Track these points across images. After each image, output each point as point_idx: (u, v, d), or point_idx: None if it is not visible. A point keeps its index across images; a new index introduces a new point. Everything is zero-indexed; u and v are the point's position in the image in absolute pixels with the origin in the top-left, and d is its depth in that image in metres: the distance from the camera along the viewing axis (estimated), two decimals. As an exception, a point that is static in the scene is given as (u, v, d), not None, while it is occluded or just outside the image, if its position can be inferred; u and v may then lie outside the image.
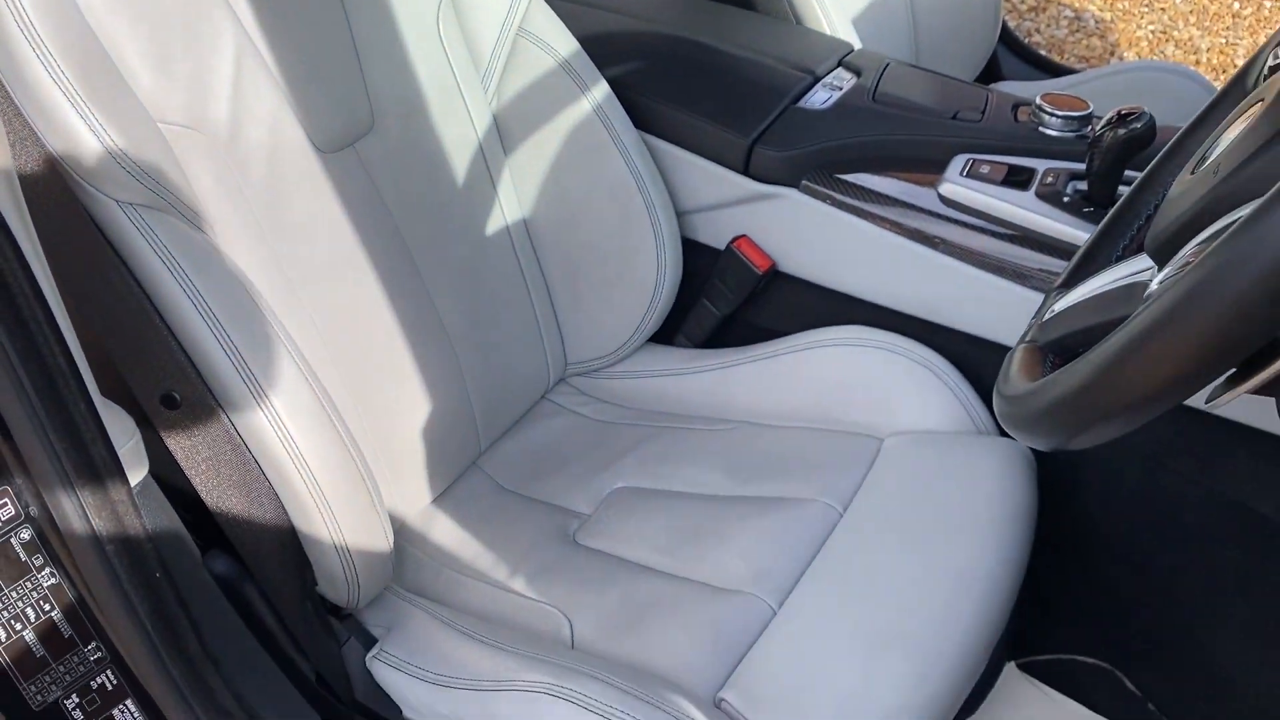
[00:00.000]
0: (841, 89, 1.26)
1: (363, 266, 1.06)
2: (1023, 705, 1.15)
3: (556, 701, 0.84)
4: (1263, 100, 0.61)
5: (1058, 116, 1.19)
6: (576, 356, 1.30)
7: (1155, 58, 2.53)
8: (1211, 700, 1.10)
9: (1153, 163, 0.80)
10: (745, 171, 1.21)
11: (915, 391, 1.13)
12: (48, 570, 0.77)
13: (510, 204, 1.21)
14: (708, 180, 1.23)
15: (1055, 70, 1.88)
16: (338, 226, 1.03)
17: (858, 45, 1.41)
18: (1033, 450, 1.10)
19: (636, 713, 0.83)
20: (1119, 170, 1.06)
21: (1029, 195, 1.11)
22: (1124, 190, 1.03)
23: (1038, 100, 1.21)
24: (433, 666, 0.95)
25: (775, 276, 1.24)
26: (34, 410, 0.68)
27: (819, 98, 1.24)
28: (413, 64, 1.10)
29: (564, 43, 1.19)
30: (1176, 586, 1.10)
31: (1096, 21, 2.80)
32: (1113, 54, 2.70)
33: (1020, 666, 1.17)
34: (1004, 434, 1.11)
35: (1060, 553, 1.12)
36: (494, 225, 1.19)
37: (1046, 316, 0.74)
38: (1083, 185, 1.10)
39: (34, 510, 0.75)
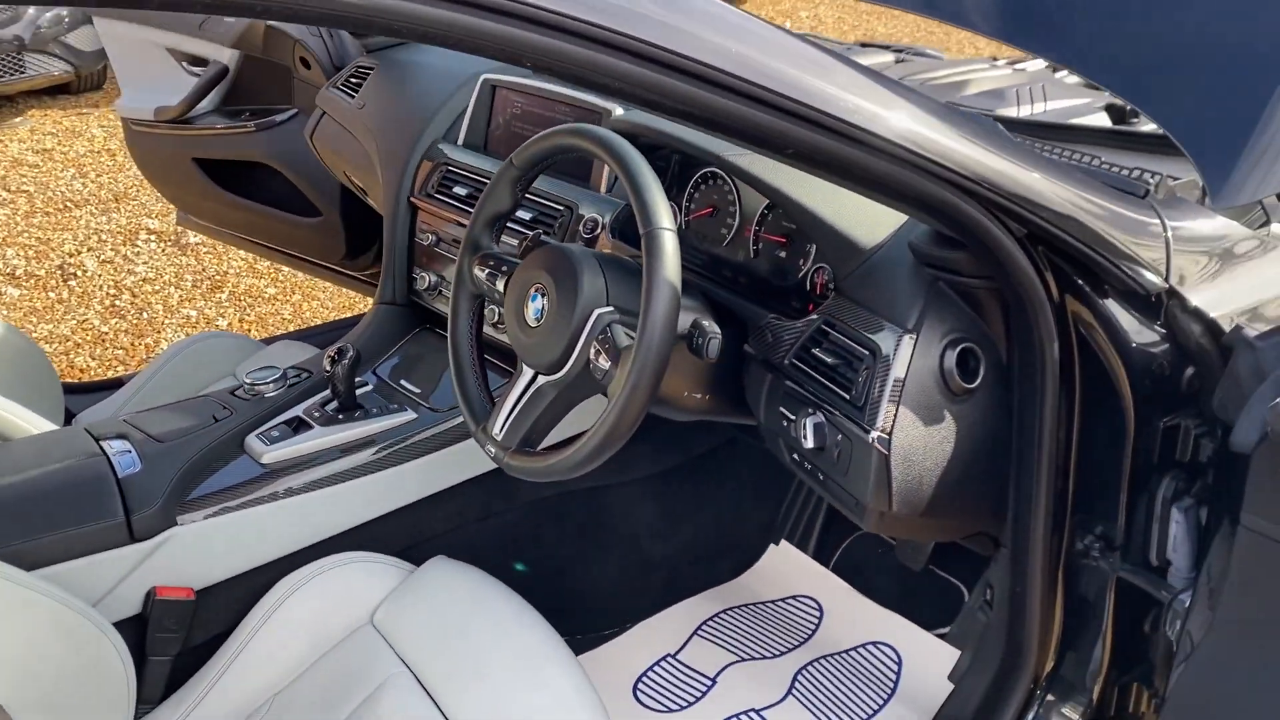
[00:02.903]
0: (130, 450, 1.54)
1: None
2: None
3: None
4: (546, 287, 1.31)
5: (267, 383, 1.70)
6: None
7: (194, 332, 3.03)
8: (582, 595, 1.88)
9: (453, 357, 1.44)
10: (133, 541, 1.44)
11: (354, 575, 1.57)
12: None
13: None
14: (111, 567, 1.42)
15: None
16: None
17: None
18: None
19: None
20: (353, 385, 1.66)
21: (319, 428, 1.63)
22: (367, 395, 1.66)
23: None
24: None
25: (202, 593, 1.50)
26: None
27: (126, 461, 1.51)
28: None
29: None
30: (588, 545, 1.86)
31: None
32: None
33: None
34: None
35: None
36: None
37: (499, 438, 1.33)
38: (334, 403, 1.67)
39: None
